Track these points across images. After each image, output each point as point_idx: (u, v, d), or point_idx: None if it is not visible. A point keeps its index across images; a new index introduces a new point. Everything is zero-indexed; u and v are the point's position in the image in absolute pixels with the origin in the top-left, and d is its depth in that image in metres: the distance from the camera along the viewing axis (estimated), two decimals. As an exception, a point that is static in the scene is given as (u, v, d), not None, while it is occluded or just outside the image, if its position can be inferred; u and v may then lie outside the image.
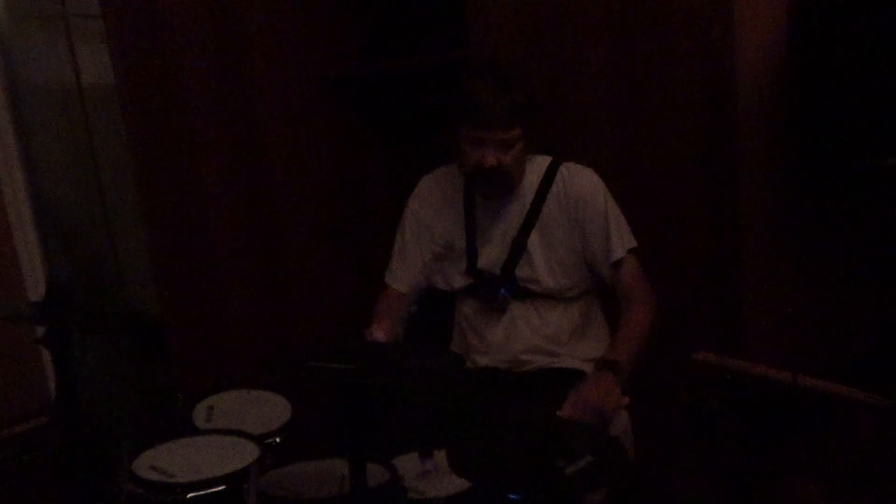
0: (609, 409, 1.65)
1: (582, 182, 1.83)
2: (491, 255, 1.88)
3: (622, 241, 1.83)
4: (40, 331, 1.75)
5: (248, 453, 1.59)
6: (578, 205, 1.82)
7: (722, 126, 2.19)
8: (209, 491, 1.47)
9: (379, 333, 1.78)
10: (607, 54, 2.00)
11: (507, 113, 1.69)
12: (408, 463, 1.57)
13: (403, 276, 1.99)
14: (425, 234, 1.97)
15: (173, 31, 2.24)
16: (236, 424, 1.77)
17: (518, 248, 1.85)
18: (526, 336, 1.87)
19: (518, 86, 1.72)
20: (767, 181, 2.30)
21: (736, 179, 2.32)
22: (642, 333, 1.80)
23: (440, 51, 2.27)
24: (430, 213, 1.96)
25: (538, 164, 1.87)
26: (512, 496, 1.21)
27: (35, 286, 2.77)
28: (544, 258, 1.84)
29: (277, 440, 1.76)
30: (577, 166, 1.87)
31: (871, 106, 1.79)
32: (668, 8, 1.92)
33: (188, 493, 1.46)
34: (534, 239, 1.84)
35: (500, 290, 1.86)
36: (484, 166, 1.73)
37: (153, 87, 2.23)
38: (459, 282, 1.93)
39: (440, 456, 1.57)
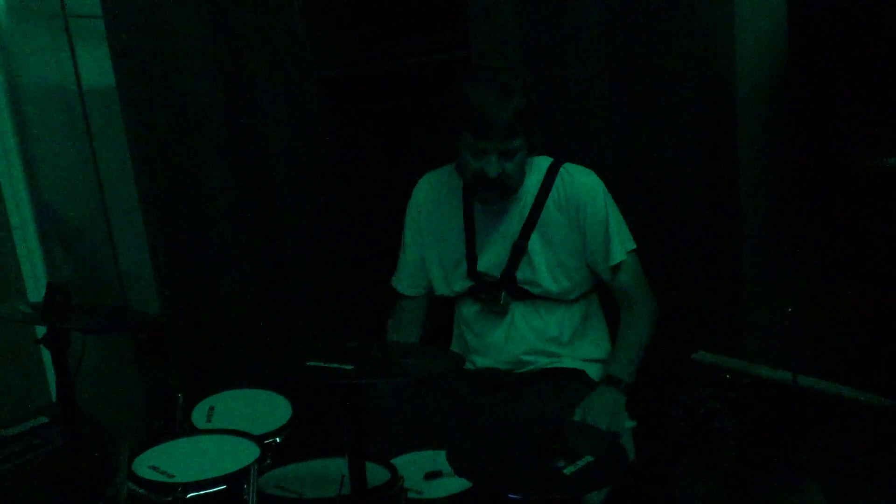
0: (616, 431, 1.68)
1: (582, 184, 1.82)
2: (491, 258, 1.87)
3: (622, 243, 1.82)
4: (40, 331, 1.76)
5: (248, 453, 1.59)
6: (578, 207, 1.80)
7: (722, 127, 2.20)
8: (209, 491, 1.47)
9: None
10: (607, 54, 2.00)
11: (510, 122, 1.66)
12: (408, 463, 1.57)
13: (408, 279, 1.99)
14: (424, 237, 1.96)
15: (173, 31, 2.24)
16: (236, 424, 1.77)
17: (518, 251, 1.83)
18: (527, 338, 1.86)
19: (520, 93, 1.68)
20: (767, 182, 2.30)
21: (736, 180, 2.33)
22: (643, 340, 1.80)
23: (440, 51, 2.26)
24: (428, 215, 1.95)
25: (538, 166, 1.85)
26: (512, 496, 1.21)
27: (35, 286, 2.77)
28: (545, 260, 1.83)
29: (277, 440, 1.76)
30: (577, 167, 1.85)
31: (870, 106, 1.79)
32: (668, 8, 1.92)
33: (188, 493, 1.46)
34: (534, 241, 1.83)
35: (501, 292, 1.85)
36: (486, 176, 1.71)
37: (153, 88, 2.24)
38: (460, 285, 1.91)
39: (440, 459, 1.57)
